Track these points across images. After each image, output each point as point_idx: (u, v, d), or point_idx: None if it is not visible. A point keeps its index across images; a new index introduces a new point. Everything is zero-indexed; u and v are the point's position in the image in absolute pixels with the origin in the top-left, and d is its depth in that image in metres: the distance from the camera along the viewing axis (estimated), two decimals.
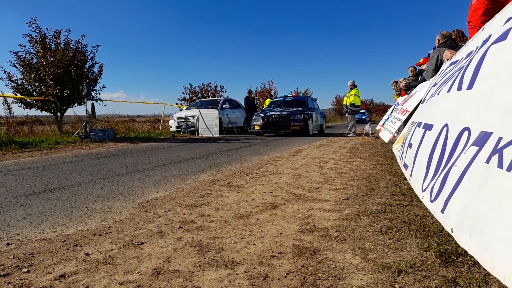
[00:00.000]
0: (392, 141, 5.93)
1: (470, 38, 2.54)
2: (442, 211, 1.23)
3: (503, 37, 1.27)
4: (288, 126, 11.42)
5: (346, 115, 12.48)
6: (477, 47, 1.70)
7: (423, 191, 1.59)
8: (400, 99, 7.51)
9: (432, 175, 1.51)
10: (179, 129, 13.20)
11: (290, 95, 15.37)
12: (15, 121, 10.79)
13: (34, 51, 10.01)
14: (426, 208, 1.45)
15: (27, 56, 9.98)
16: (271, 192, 3.24)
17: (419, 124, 2.38)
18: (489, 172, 0.97)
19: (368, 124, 10.70)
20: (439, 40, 5.20)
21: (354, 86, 11.67)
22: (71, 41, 10.46)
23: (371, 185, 3.43)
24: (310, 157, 5.84)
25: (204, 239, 2.05)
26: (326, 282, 1.50)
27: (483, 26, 1.80)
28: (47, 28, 10.16)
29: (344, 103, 12.25)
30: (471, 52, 1.83)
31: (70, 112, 11.85)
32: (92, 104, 15.31)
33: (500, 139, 0.98)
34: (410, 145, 2.38)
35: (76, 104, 10.99)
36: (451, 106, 1.74)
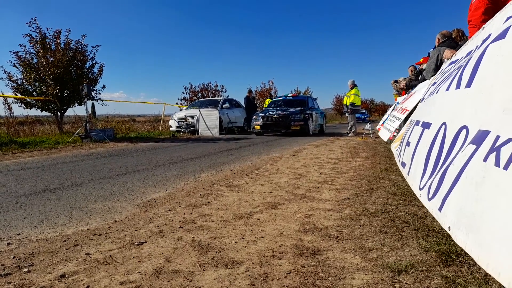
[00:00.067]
0: (391, 140, 5.93)
1: (470, 37, 2.54)
2: (440, 209, 1.23)
3: (502, 35, 1.27)
4: (288, 125, 11.42)
5: (346, 114, 12.48)
6: (477, 46, 1.70)
7: (420, 189, 1.59)
8: (400, 99, 7.51)
9: (429, 174, 1.52)
10: (179, 129, 13.20)
11: (290, 95, 15.37)
12: (16, 121, 10.79)
13: (34, 51, 10.01)
14: (426, 207, 1.45)
15: (27, 56, 9.98)
16: (271, 192, 3.24)
17: (417, 123, 2.39)
18: (486, 171, 0.98)
19: (368, 123, 10.70)
20: (439, 39, 5.20)
21: (354, 85, 11.66)
22: (71, 41, 10.47)
23: (371, 185, 3.43)
24: (310, 156, 5.84)
25: (204, 239, 2.05)
26: (326, 281, 1.50)
27: (483, 25, 1.79)
28: (47, 28, 10.17)
29: (344, 102, 12.25)
30: (471, 51, 1.83)
31: (70, 112, 11.85)
32: (92, 104, 15.32)
33: (497, 137, 0.99)
34: (408, 144, 2.38)
35: (76, 104, 10.99)
36: (449, 104, 1.74)
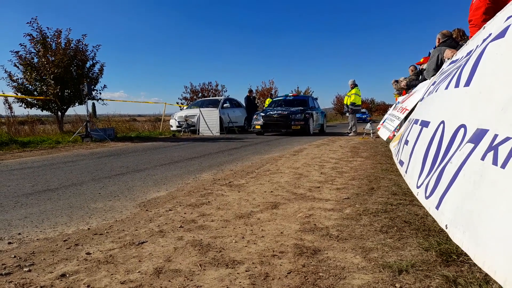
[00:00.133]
0: (390, 139, 5.93)
1: (471, 37, 2.53)
2: (437, 207, 1.24)
3: (501, 34, 1.27)
4: (288, 125, 11.42)
5: (347, 114, 12.47)
6: (477, 45, 1.70)
7: (418, 187, 1.60)
8: (400, 98, 7.50)
9: (427, 172, 1.52)
10: (179, 128, 13.20)
11: (291, 95, 15.36)
12: (16, 120, 10.80)
13: (35, 51, 10.01)
14: (423, 206, 1.45)
15: (28, 55, 9.98)
16: (271, 192, 3.24)
17: (416, 121, 2.39)
18: (484, 169, 0.98)
19: (368, 123, 10.69)
20: (439, 39, 5.19)
21: (354, 85, 11.66)
22: (71, 41, 10.47)
23: (371, 185, 3.43)
24: (311, 156, 5.84)
25: (205, 238, 2.05)
26: (327, 281, 1.50)
27: (484, 25, 1.79)
28: (47, 28, 10.17)
29: (345, 102, 12.24)
30: (471, 51, 1.83)
31: (71, 111, 11.86)
32: (93, 104, 15.32)
33: (495, 136, 0.99)
34: (406, 142, 2.38)
35: (77, 104, 11.00)
36: (448, 103, 1.74)
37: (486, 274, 1.44)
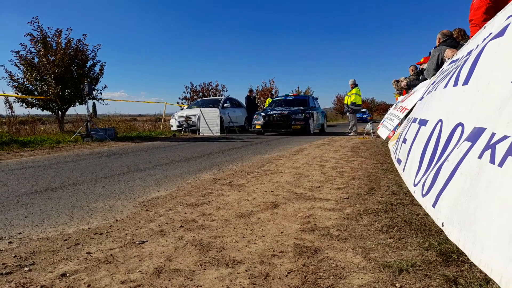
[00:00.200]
0: (390, 138, 5.93)
1: (471, 36, 2.53)
2: (433, 205, 1.24)
3: (501, 33, 1.27)
4: (289, 125, 11.42)
5: (347, 114, 12.47)
6: (478, 45, 1.70)
7: (415, 185, 1.60)
8: (400, 98, 7.49)
9: (424, 170, 1.52)
10: (180, 128, 13.21)
11: (291, 94, 15.36)
12: (17, 120, 10.81)
13: (35, 50, 10.02)
14: (420, 204, 1.46)
15: (28, 55, 9.99)
16: (272, 191, 3.24)
17: (414, 120, 2.39)
18: (481, 167, 0.98)
19: (369, 123, 10.69)
20: (439, 39, 5.19)
21: (355, 85, 11.65)
22: (72, 40, 10.48)
23: (372, 184, 3.43)
24: (311, 156, 5.84)
25: (205, 238, 2.05)
26: (327, 281, 1.50)
27: (484, 25, 1.79)
28: (48, 27, 10.18)
29: (345, 102, 12.24)
30: (471, 51, 1.83)
31: (71, 111, 11.88)
32: (94, 103, 15.34)
33: (493, 134, 0.99)
34: (404, 141, 2.38)
35: (77, 103, 11.00)
36: (446, 101, 1.74)
37: (487, 274, 1.44)
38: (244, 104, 15.48)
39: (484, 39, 1.56)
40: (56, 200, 3.02)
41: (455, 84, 1.66)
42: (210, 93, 22.50)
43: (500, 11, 1.54)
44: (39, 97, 10.21)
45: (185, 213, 2.59)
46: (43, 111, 10.85)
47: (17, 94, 10.16)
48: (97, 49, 11.05)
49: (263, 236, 2.07)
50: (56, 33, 10.26)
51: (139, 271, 1.62)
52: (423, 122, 2.00)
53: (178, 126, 13.37)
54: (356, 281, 1.49)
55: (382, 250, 1.81)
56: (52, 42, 10.17)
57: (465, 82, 1.49)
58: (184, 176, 4.11)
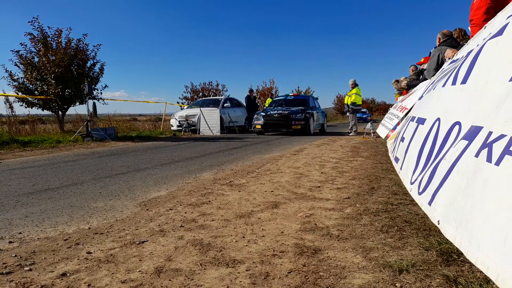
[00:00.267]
0: (388, 137, 5.93)
1: (472, 37, 2.53)
2: (430, 203, 1.24)
3: (500, 32, 1.27)
4: (289, 125, 11.42)
5: (347, 114, 12.47)
6: (478, 45, 1.70)
7: (411, 184, 1.60)
8: (400, 98, 7.49)
9: (421, 168, 1.53)
10: (180, 128, 13.21)
11: (291, 94, 15.36)
12: (17, 120, 10.81)
13: (35, 50, 10.02)
14: (416, 201, 1.46)
15: (28, 55, 9.99)
16: (272, 191, 3.24)
17: (412, 119, 2.40)
18: (478, 166, 0.98)
19: (369, 123, 10.68)
20: (439, 38, 5.18)
21: (355, 85, 11.65)
22: (72, 40, 10.48)
23: (372, 184, 3.43)
24: (311, 156, 5.84)
25: (205, 237, 2.05)
26: (327, 281, 1.50)
27: (485, 25, 1.79)
28: (48, 27, 10.18)
29: (345, 102, 12.24)
30: (471, 51, 1.83)
31: (71, 111, 11.88)
32: (94, 103, 15.35)
33: (490, 133, 0.99)
34: (402, 139, 2.39)
35: (77, 103, 11.01)
36: (444, 100, 1.74)
37: (483, 272, 1.45)
38: (244, 104, 15.48)
39: (484, 39, 1.57)
40: (56, 200, 3.02)
41: (454, 83, 1.67)
42: (210, 93, 22.49)
43: (501, 11, 1.54)
44: (39, 96, 10.21)
45: (185, 212, 2.59)
46: (43, 110, 10.85)
47: (17, 94, 10.16)
48: (97, 49, 11.06)
49: (263, 236, 2.07)
50: (56, 33, 10.26)
51: (140, 271, 1.62)
52: (421, 121, 2.00)
53: (178, 126, 13.37)
54: (356, 281, 1.49)
55: (383, 250, 1.81)
56: (52, 42, 10.17)
57: (464, 81, 1.49)
58: (184, 176, 4.11)
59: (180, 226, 2.26)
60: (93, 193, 3.29)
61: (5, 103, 10.14)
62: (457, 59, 2.29)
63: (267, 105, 14.55)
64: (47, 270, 1.65)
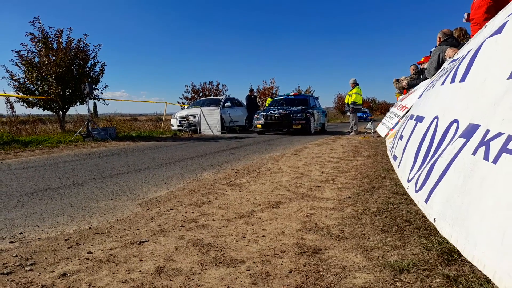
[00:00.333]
0: (388, 136, 5.93)
1: (472, 36, 2.53)
2: (426, 201, 1.24)
3: (499, 30, 1.27)
4: (289, 124, 11.41)
5: (348, 113, 12.46)
6: (477, 43, 1.70)
7: (408, 181, 1.60)
8: (401, 97, 7.49)
9: (418, 166, 1.53)
10: (180, 128, 13.21)
11: (292, 94, 15.35)
12: (18, 120, 10.82)
13: (36, 50, 10.02)
14: (413, 199, 1.46)
15: (29, 55, 9.99)
16: (272, 191, 3.24)
17: (411, 117, 2.40)
18: (475, 164, 0.98)
19: (370, 122, 10.68)
20: (440, 38, 5.18)
21: (356, 84, 11.64)
22: (73, 40, 10.48)
23: (373, 184, 3.43)
24: (312, 155, 5.84)
25: (206, 237, 2.05)
26: (327, 280, 1.50)
27: (485, 24, 1.79)
28: (49, 27, 10.19)
29: (346, 101, 12.23)
30: (471, 49, 1.82)
31: (72, 111, 11.88)
32: (94, 103, 15.34)
33: (487, 131, 0.99)
34: (401, 137, 2.39)
35: (78, 103, 11.01)
36: (443, 98, 1.75)
37: (480, 269, 1.44)
38: (245, 104, 15.48)
39: (484, 38, 1.57)
40: (57, 200, 3.03)
41: (452, 81, 1.67)
42: (210, 93, 22.49)
43: (501, 10, 1.54)
44: (40, 97, 10.21)
45: (186, 212, 2.59)
46: (44, 111, 10.86)
47: (18, 94, 10.17)
48: (98, 49, 11.06)
49: (264, 236, 2.07)
50: (57, 33, 10.26)
51: (140, 271, 1.62)
52: (419, 119, 2.00)
53: (178, 126, 13.37)
54: (357, 281, 1.49)
55: (383, 250, 1.81)
56: (53, 42, 10.17)
57: (462, 79, 1.49)
58: (185, 176, 4.11)
59: (180, 226, 2.27)
60: (94, 193, 3.29)
61: (5, 103, 10.16)
62: (457, 58, 2.29)
63: (267, 105, 14.55)
64: (47, 270, 1.65)
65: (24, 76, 10.11)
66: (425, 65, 6.24)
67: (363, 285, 1.45)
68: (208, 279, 1.53)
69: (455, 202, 1.02)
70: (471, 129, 1.11)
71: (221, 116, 12.91)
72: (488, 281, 1.39)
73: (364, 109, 33.91)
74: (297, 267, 1.64)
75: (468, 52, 1.82)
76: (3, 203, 2.93)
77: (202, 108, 13.09)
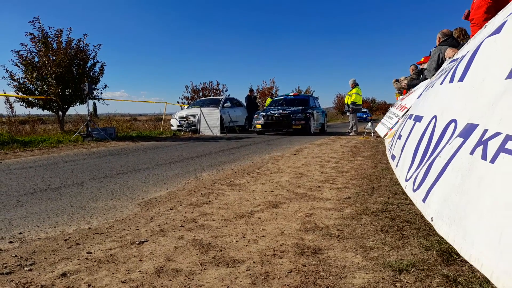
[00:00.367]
0: (387, 135, 5.93)
1: (472, 36, 2.53)
2: (424, 200, 1.25)
3: (498, 30, 1.27)
4: (289, 125, 11.41)
5: (348, 113, 12.46)
6: (477, 43, 1.70)
7: (406, 180, 1.61)
8: (401, 97, 7.49)
9: (416, 165, 1.53)
10: (180, 128, 13.21)
11: (292, 94, 15.35)
12: (17, 120, 10.82)
13: (36, 50, 10.02)
14: (410, 198, 1.46)
15: (29, 55, 9.99)
16: (272, 191, 3.24)
17: (410, 116, 2.40)
18: (473, 163, 0.99)
19: (369, 122, 10.68)
20: (439, 38, 5.18)
21: (355, 84, 11.64)
22: (72, 40, 10.48)
23: (372, 184, 3.43)
24: (312, 156, 5.84)
25: (205, 237, 2.05)
26: (327, 280, 1.50)
27: (485, 24, 1.79)
28: (49, 27, 10.19)
29: (346, 101, 12.23)
30: (471, 50, 1.83)
31: (71, 111, 11.88)
32: (94, 103, 15.33)
33: (485, 131, 0.99)
34: (399, 137, 2.39)
35: (77, 103, 11.01)
36: (441, 98, 1.75)
37: (477, 268, 1.44)
38: (245, 104, 15.48)
39: (483, 37, 1.57)
40: (56, 200, 3.03)
41: (451, 80, 1.67)
42: (210, 93, 22.48)
43: (501, 10, 1.54)
44: (39, 97, 10.21)
45: (186, 212, 2.59)
46: (43, 110, 10.86)
47: (18, 94, 10.17)
48: (98, 49, 11.06)
49: (264, 236, 2.07)
50: (57, 33, 10.26)
51: (140, 271, 1.62)
52: (418, 119, 2.00)
53: (178, 126, 13.37)
54: (356, 281, 1.49)
55: (383, 250, 1.81)
56: (52, 42, 10.17)
57: (461, 79, 1.49)
58: (185, 176, 4.11)
59: (180, 226, 2.26)
60: (93, 193, 3.29)
61: (5, 103, 10.16)
62: (457, 58, 2.29)
63: (267, 105, 14.55)
64: (47, 270, 1.65)
65: (23, 76, 10.12)
66: (425, 65, 6.24)
67: (362, 285, 1.46)
68: (208, 279, 1.53)
69: (452, 202, 1.02)
70: (469, 129, 1.11)
71: (220, 116, 12.91)
72: (488, 281, 1.39)
73: (364, 109, 33.93)
74: (296, 267, 1.64)
75: (468, 52, 1.82)
76: (3, 203, 2.93)
77: (201, 108, 13.09)
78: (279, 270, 1.61)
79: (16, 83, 10.10)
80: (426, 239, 1.91)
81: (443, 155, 1.23)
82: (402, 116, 5.32)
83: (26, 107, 10.36)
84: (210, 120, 12.79)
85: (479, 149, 0.98)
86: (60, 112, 11.03)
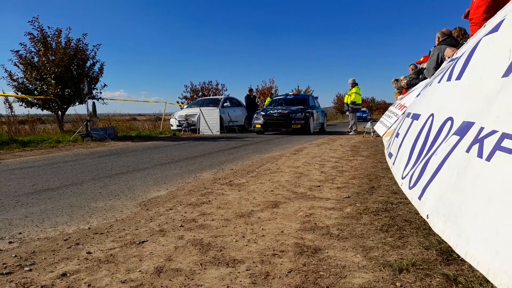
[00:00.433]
0: (385, 134, 5.93)
1: (471, 35, 2.53)
2: (419, 197, 1.25)
3: (495, 28, 1.27)
4: (289, 124, 11.41)
5: (347, 113, 12.46)
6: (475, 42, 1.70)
7: (402, 178, 1.61)
8: (400, 97, 7.50)
9: (413, 163, 1.53)
10: (180, 127, 13.20)
11: (291, 94, 15.35)
12: (17, 120, 10.81)
13: (35, 50, 10.01)
14: (406, 196, 1.47)
15: (28, 54, 9.98)
16: (272, 191, 3.24)
17: (408, 115, 2.41)
18: (469, 161, 0.99)
19: (369, 122, 10.68)
20: (439, 38, 5.18)
21: (355, 84, 11.64)
22: (72, 40, 10.46)
23: (372, 183, 3.43)
24: (311, 155, 5.84)
25: (205, 237, 2.05)
26: (327, 280, 1.50)
27: (484, 23, 1.79)
28: (48, 27, 10.17)
29: (345, 101, 12.23)
30: (469, 48, 1.83)
31: (71, 110, 11.88)
32: (93, 103, 15.36)
33: (481, 129, 1.00)
34: (397, 135, 2.40)
35: (77, 103, 11.00)
36: (439, 96, 1.75)
37: (473, 266, 1.45)
38: (244, 104, 15.47)
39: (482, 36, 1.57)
40: (56, 200, 3.02)
41: (449, 79, 1.67)
42: (210, 93, 22.48)
43: (500, 10, 1.54)
44: (39, 96, 10.20)
45: (185, 212, 2.59)
46: (42, 110, 10.85)
47: (17, 94, 10.15)
48: (97, 49, 11.05)
49: (263, 236, 2.07)
50: (56, 33, 10.25)
51: (140, 271, 1.62)
52: (415, 117, 2.01)
53: (178, 126, 13.36)
54: (356, 280, 1.49)
55: (383, 249, 1.81)
56: (52, 42, 10.16)
57: (458, 77, 1.49)
58: (184, 176, 4.11)
59: (180, 226, 2.27)
60: (93, 193, 3.28)
61: (4, 103, 10.15)
62: (456, 58, 2.30)
63: (266, 105, 14.55)
64: (47, 270, 1.65)
65: (23, 76, 10.11)
66: (424, 65, 6.24)
67: (362, 284, 1.46)
68: (208, 279, 1.53)
69: (448, 199, 1.03)
70: (466, 127, 1.11)
71: (220, 116, 12.90)
72: (487, 280, 1.40)
73: (363, 109, 33.94)
74: (296, 266, 1.64)
75: (466, 50, 1.82)
76: (2, 203, 2.92)
77: (201, 108, 13.09)
78: (279, 270, 1.61)
79: (15, 83, 10.10)
80: (426, 238, 1.91)
81: (439, 153, 1.23)
82: (401, 115, 5.32)
83: (25, 107, 10.37)
84: (209, 120, 12.78)
85: (475, 147, 0.98)
86: (60, 112, 11.02)
